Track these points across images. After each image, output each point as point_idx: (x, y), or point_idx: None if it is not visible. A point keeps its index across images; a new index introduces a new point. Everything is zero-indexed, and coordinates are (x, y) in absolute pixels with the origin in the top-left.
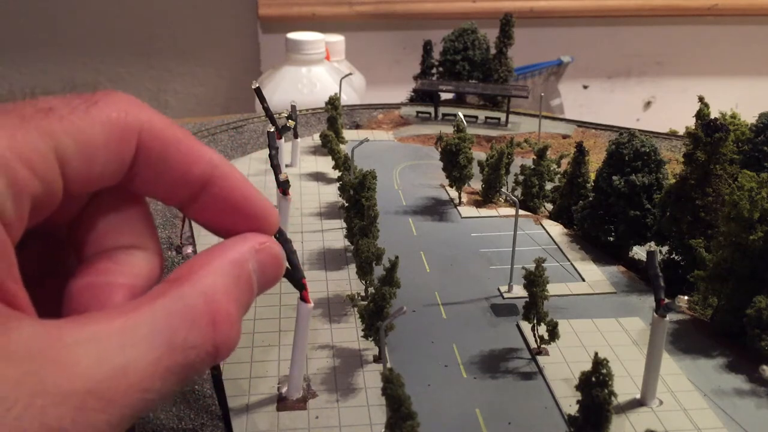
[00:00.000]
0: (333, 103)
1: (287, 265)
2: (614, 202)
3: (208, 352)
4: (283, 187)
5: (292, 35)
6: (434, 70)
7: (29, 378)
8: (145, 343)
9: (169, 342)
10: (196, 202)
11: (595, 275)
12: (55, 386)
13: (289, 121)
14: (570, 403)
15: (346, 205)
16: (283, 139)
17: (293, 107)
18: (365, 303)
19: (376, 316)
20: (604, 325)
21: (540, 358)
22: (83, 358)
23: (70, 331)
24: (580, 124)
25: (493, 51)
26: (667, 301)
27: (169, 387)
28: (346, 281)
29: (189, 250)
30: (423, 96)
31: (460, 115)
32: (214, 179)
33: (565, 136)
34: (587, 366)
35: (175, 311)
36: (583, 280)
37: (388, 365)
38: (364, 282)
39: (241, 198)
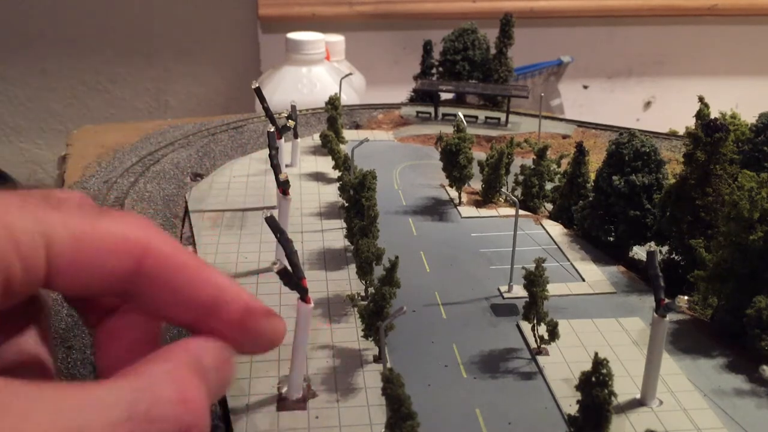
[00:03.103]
0: (333, 103)
1: (288, 266)
2: (614, 202)
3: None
4: (283, 187)
5: (292, 35)
6: (434, 70)
7: None
8: (104, 409)
9: (129, 411)
10: (206, 323)
11: (595, 275)
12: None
13: (289, 121)
14: (570, 403)
15: (346, 205)
16: (283, 139)
17: (293, 107)
18: (365, 303)
19: (376, 316)
20: (604, 325)
21: (540, 358)
22: (38, 415)
23: (32, 389)
24: (580, 124)
25: (493, 51)
26: (667, 301)
27: None
28: (346, 281)
29: (189, 249)
30: (423, 96)
31: (460, 115)
32: (220, 304)
33: (565, 136)
34: (587, 366)
35: (140, 386)
36: (583, 280)
37: (388, 365)
38: (364, 282)
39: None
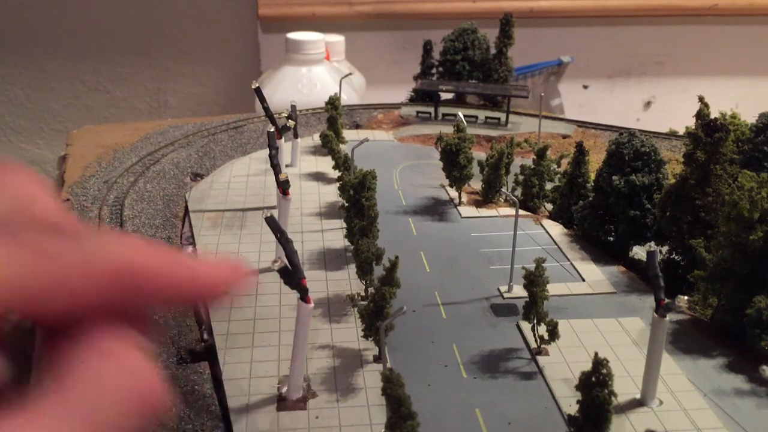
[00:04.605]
0: (333, 103)
1: (288, 265)
2: (614, 202)
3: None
4: (283, 187)
5: (292, 35)
6: (434, 70)
7: None
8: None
9: (81, 420)
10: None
11: (595, 275)
12: None
13: (289, 121)
14: (570, 403)
15: (346, 205)
16: (283, 139)
17: (293, 107)
18: (365, 303)
19: (376, 316)
20: (604, 325)
21: (540, 358)
22: None
23: None
24: (580, 124)
25: (493, 51)
26: (667, 301)
27: None
28: (346, 281)
29: (189, 249)
30: (423, 96)
31: (460, 115)
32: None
33: (565, 136)
34: (587, 366)
35: (78, 388)
36: (583, 280)
37: (388, 365)
38: (364, 282)
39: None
